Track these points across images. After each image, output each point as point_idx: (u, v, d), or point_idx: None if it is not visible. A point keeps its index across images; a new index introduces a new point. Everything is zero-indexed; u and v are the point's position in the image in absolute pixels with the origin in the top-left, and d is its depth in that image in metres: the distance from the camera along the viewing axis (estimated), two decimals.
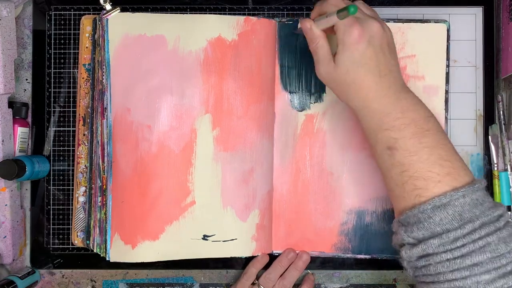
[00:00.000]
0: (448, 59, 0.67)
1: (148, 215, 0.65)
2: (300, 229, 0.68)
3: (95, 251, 0.66)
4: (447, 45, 0.67)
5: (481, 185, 0.51)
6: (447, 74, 0.67)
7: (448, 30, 0.67)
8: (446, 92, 0.67)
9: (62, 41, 0.70)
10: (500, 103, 0.69)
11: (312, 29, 0.56)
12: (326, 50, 0.56)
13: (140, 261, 0.65)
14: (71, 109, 0.70)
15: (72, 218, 0.69)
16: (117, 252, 0.65)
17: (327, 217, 0.68)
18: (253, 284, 0.67)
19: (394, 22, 0.67)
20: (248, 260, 0.69)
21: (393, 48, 0.57)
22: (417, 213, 0.51)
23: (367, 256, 0.68)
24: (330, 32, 0.56)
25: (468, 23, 0.70)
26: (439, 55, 0.67)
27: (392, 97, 0.54)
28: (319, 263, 0.70)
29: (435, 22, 0.68)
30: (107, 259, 0.65)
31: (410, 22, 0.68)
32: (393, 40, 0.57)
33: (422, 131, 0.53)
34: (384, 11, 0.70)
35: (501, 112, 0.69)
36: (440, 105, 0.67)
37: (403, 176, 0.53)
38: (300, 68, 0.68)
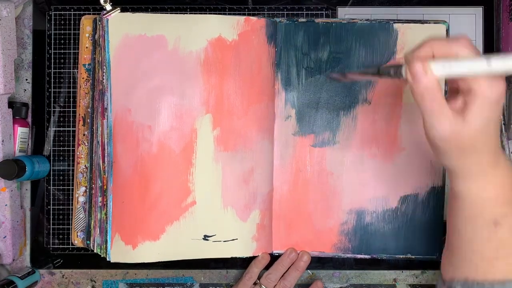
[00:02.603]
0: None
1: (149, 215, 0.65)
2: (300, 229, 0.68)
3: (95, 251, 0.66)
4: None
5: None
6: None
7: (447, 31, 0.67)
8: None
9: (62, 41, 0.70)
10: None
11: (429, 74, 0.43)
12: (446, 104, 0.44)
13: (140, 262, 0.65)
14: (71, 109, 0.70)
15: (72, 218, 0.69)
16: (117, 252, 0.65)
17: (327, 217, 0.68)
18: (254, 284, 0.68)
19: (394, 22, 0.67)
20: (249, 260, 0.69)
21: None
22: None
23: (367, 256, 0.68)
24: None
25: (468, 23, 0.71)
26: None
27: (509, 165, 0.48)
28: (319, 263, 0.70)
29: (435, 23, 0.68)
30: (108, 259, 0.65)
31: (409, 22, 0.68)
32: None
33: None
34: (384, 11, 0.70)
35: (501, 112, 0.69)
36: None
37: (498, 252, 0.48)
38: (300, 68, 0.68)
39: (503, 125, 0.69)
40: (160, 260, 0.65)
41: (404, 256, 0.68)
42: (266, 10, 0.71)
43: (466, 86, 0.44)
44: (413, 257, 0.68)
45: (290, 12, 0.71)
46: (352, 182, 0.68)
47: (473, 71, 0.43)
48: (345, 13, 0.71)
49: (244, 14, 0.70)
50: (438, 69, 0.44)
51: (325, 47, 0.68)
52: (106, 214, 0.65)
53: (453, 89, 0.47)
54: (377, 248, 0.68)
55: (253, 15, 0.70)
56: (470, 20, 0.71)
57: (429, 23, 0.68)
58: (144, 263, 0.67)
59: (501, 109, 0.44)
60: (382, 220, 0.68)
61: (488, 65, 0.42)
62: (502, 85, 0.43)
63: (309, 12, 0.70)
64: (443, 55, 0.45)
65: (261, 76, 0.66)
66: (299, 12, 0.71)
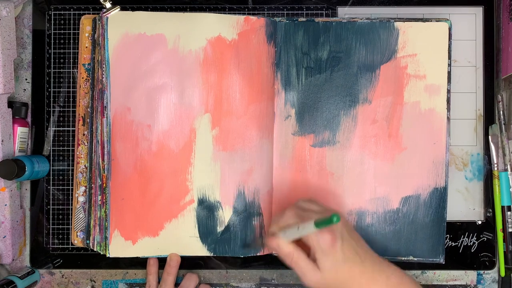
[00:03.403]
0: (450, 58, 0.67)
1: (148, 212, 0.65)
2: None
3: (95, 249, 0.66)
4: (449, 44, 0.67)
5: None
6: (449, 73, 0.67)
7: (449, 29, 0.67)
8: (448, 91, 0.67)
9: (62, 41, 0.70)
10: (500, 103, 0.69)
11: (282, 246, 0.56)
12: (305, 260, 0.56)
13: (141, 256, 0.66)
14: (71, 109, 0.70)
15: (71, 218, 0.69)
16: (117, 247, 0.66)
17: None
18: None
19: (395, 21, 0.67)
20: (249, 259, 0.69)
21: (351, 225, 0.59)
22: None
23: None
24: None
25: (468, 23, 0.70)
26: (440, 54, 0.67)
27: (381, 277, 0.56)
28: None
29: (437, 21, 0.67)
30: (107, 255, 0.65)
31: (411, 21, 0.68)
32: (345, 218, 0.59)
33: None
34: (384, 11, 0.70)
35: (501, 112, 0.69)
36: (442, 105, 0.67)
37: None
38: (300, 67, 0.68)
39: (503, 125, 0.69)
40: (160, 255, 0.66)
41: (406, 258, 0.67)
42: (266, 9, 0.71)
43: (307, 242, 0.55)
44: (415, 259, 0.67)
45: (290, 12, 0.70)
46: (353, 182, 0.68)
47: (303, 234, 0.54)
48: (345, 13, 0.70)
49: (244, 14, 0.70)
50: (285, 237, 0.55)
51: (325, 47, 0.67)
52: (105, 211, 0.65)
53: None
54: (378, 250, 0.67)
55: (253, 14, 0.70)
56: (470, 20, 0.70)
57: (431, 21, 0.67)
58: (143, 263, 0.68)
59: (342, 248, 0.54)
60: (383, 221, 0.67)
61: (297, 230, 0.54)
62: (327, 235, 0.54)
63: (309, 12, 0.70)
64: (283, 227, 0.57)
65: (260, 75, 0.66)
66: (299, 12, 0.70)
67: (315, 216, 0.55)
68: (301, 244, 0.56)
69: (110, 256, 0.66)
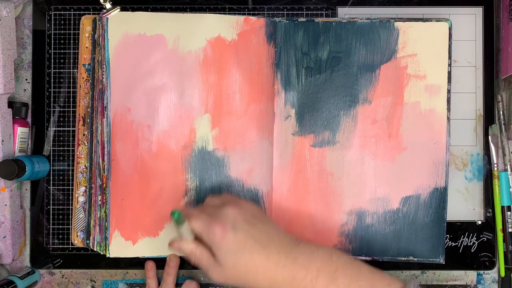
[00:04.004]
0: (450, 58, 0.67)
1: (148, 212, 0.65)
2: (300, 229, 0.68)
3: (95, 249, 0.66)
4: (449, 44, 0.67)
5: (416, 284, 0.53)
6: (449, 73, 0.67)
7: (450, 29, 0.67)
8: (448, 91, 0.67)
9: (62, 41, 0.70)
10: (500, 103, 0.69)
11: (182, 247, 0.56)
12: (207, 256, 0.55)
13: (141, 256, 0.66)
14: (71, 109, 0.70)
15: (72, 218, 0.69)
16: (117, 247, 0.66)
17: (327, 218, 0.68)
18: None
19: (395, 21, 0.67)
20: None
21: (259, 214, 0.57)
22: None
23: (368, 258, 0.68)
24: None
25: (468, 23, 0.70)
26: (441, 54, 0.67)
27: (288, 261, 0.53)
28: None
29: (437, 21, 0.67)
30: (108, 255, 0.65)
31: (411, 21, 0.68)
32: (254, 207, 0.58)
33: (331, 274, 0.52)
34: (384, 11, 0.70)
35: (501, 112, 0.69)
36: (442, 105, 0.67)
37: None
38: (300, 67, 0.68)
39: (503, 125, 0.69)
40: (160, 255, 0.66)
41: (406, 258, 0.67)
42: (266, 10, 0.71)
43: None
44: (416, 259, 0.67)
45: (290, 12, 0.71)
46: (353, 182, 0.68)
47: (188, 235, 0.57)
48: (345, 13, 0.71)
49: (244, 14, 0.70)
50: (183, 236, 0.57)
51: (325, 47, 0.67)
52: (105, 211, 0.65)
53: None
54: (378, 250, 0.68)
55: (253, 15, 0.70)
56: (470, 20, 0.70)
57: (431, 21, 0.67)
58: (143, 263, 0.68)
59: (235, 238, 0.53)
60: (383, 221, 0.67)
61: (179, 228, 0.56)
62: (216, 228, 0.53)
63: (309, 12, 0.70)
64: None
65: (260, 75, 0.66)
66: (299, 12, 0.71)
67: (211, 212, 0.56)
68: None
69: (110, 256, 0.66)
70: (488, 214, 0.70)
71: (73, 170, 0.69)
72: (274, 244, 0.54)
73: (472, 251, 0.70)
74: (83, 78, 0.68)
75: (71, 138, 0.70)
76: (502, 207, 0.69)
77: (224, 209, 0.55)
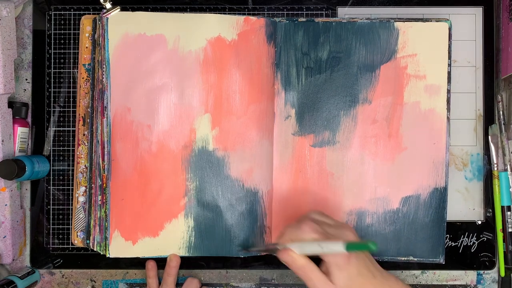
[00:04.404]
0: (450, 58, 0.67)
1: (148, 212, 0.65)
2: None
3: (95, 249, 0.66)
4: (449, 44, 0.67)
5: None
6: (449, 73, 0.67)
7: (449, 29, 0.67)
8: (448, 91, 0.67)
9: (62, 41, 0.70)
10: (500, 103, 0.69)
11: (297, 260, 0.56)
12: (319, 274, 0.56)
13: (141, 256, 0.66)
14: (71, 109, 0.70)
15: (72, 218, 0.69)
16: (117, 248, 0.66)
17: None
18: None
19: (395, 21, 0.67)
20: (249, 260, 0.69)
21: None
22: None
23: None
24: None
25: (468, 23, 0.70)
26: (440, 54, 0.67)
27: None
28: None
29: (437, 21, 0.67)
30: (108, 255, 0.65)
31: (411, 21, 0.68)
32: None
33: None
34: (384, 11, 0.70)
35: (501, 112, 0.69)
36: (442, 105, 0.67)
37: None
38: (300, 67, 0.68)
39: (503, 125, 0.69)
40: (160, 256, 0.66)
41: (406, 258, 0.67)
42: (266, 10, 0.71)
43: (322, 257, 0.56)
44: (416, 259, 0.67)
45: (290, 12, 0.71)
46: (353, 182, 0.68)
47: (321, 252, 0.55)
48: (345, 13, 0.71)
49: (244, 14, 0.70)
50: (301, 251, 0.56)
51: (325, 47, 0.67)
52: (105, 211, 0.65)
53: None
54: (378, 250, 0.68)
55: (253, 15, 0.70)
56: (470, 20, 0.70)
57: (431, 21, 0.67)
58: (143, 263, 0.68)
59: (356, 264, 0.55)
60: (383, 221, 0.67)
61: (320, 247, 0.54)
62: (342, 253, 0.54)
63: (309, 12, 0.71)
64: (297, 240, 0.57)
65: (260, 75, 0.66)
66: (299, 12, 0.71)
67: (331, 231, 0.57)
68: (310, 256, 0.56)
69: (110, 257, 0.66)
70: (488, 214, 0.70)
71: (73, 170, 0.69)
72: (378, 274, 0.58)
73: (472, 251, 0.70)
74: (83, 78, 0.68)
75: (71, 138, 0.70)
76: (502, 207, 0.69)
77: (345, 231, 0.58)
